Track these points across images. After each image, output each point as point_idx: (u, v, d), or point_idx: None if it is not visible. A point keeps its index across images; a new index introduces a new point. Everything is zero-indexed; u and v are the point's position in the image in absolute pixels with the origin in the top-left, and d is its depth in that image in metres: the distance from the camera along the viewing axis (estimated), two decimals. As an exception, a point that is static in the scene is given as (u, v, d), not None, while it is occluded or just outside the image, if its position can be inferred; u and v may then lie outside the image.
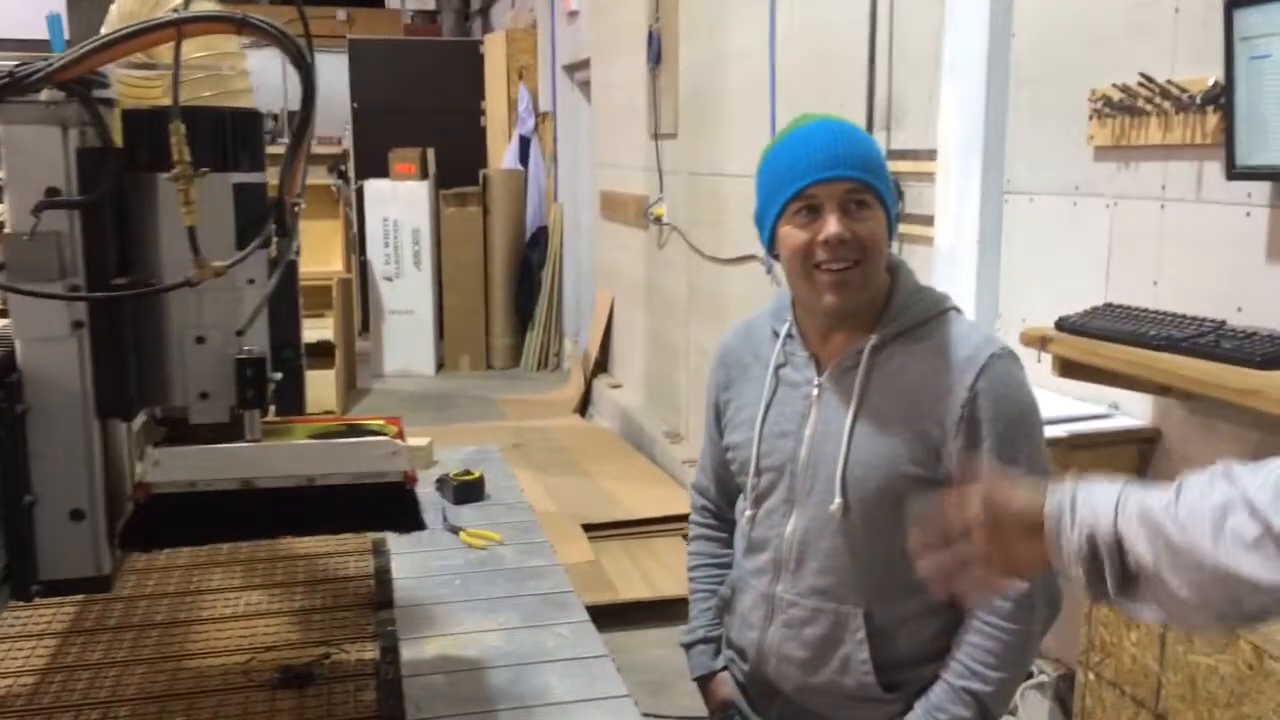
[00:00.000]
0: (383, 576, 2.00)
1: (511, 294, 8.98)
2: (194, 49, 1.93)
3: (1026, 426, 1.54)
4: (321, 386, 7.39)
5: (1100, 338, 2.22)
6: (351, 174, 9.67)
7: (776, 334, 1.69)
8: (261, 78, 9.23)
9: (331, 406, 7.38)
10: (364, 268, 8.73)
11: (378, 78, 9.78)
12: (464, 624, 1.86)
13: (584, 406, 7.52)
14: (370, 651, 1.73)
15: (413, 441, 2.92)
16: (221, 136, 1.43)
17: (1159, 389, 2.27)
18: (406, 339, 8.69)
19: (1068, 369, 2.29)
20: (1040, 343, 2.34)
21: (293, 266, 1.53)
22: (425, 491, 2.60)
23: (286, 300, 1.53)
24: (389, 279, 8.63)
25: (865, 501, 1.54)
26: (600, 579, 4.37)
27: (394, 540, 2.25)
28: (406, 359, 8.72)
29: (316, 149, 10.50)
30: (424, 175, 8.60)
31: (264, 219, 1.47)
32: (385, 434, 1.61)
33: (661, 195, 5.97)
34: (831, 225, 1.51)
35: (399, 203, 8.57)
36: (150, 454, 1.44)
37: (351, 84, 9.89)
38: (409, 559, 2.16)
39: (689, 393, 5.78)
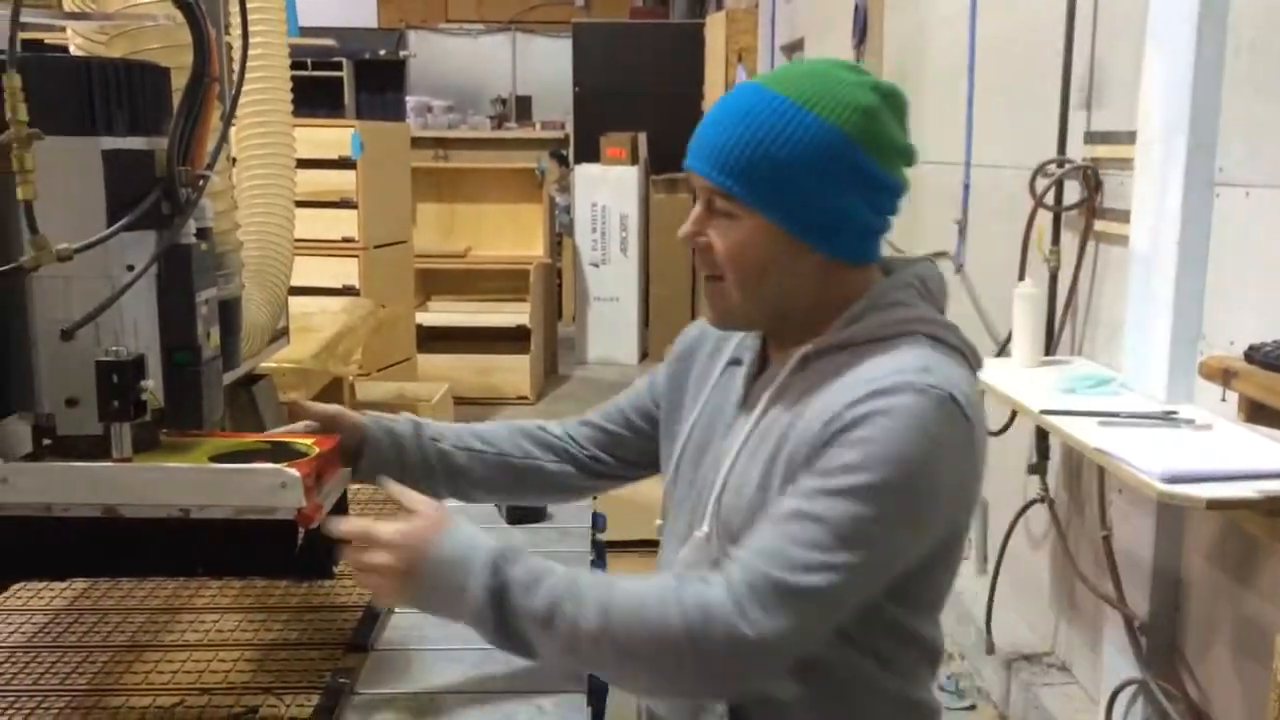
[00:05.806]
0: (374, 610, 1.74)
1: (719, 285, 8.66)
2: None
3: (884, 482, 1.13)
4: (515, 372, 7.37)
5: (1302, 375, 1.68)
6: (571, 159, 9.64)
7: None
8: (490, 64, 9.30)
9: (525, 392, 7.33)
10: (575, 253, 8.64)
11: (600, 62, 9.71)
12: (435, 680, 1.57)
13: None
14: (307, 708, 1.47)
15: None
16: (84, 92, 1.19)
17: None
18: (610, 326, 8.55)
19: (1257, 413, 1.76)
20: (1223, 376, 1.81)
21: (186, 252, 1.27)
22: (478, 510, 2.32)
23: (180, 294, 1.28)
24: (595, 265, 8.50)
25: (730, 533, 1.26)
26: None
27: (417, 564, 1.99)
28: (610, 347, 8.58)
29: (539, 133, 10.54)
30: (634, 160, 8.40)
31: (143, 194, 1.23)
32: (305, 455, 1.33)
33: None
34: (687, 223, 1.27)
35: (608, 188, 8.42)
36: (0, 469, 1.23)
37: (575, 68, 9.87)
38: (425, 589, 1.89)
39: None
